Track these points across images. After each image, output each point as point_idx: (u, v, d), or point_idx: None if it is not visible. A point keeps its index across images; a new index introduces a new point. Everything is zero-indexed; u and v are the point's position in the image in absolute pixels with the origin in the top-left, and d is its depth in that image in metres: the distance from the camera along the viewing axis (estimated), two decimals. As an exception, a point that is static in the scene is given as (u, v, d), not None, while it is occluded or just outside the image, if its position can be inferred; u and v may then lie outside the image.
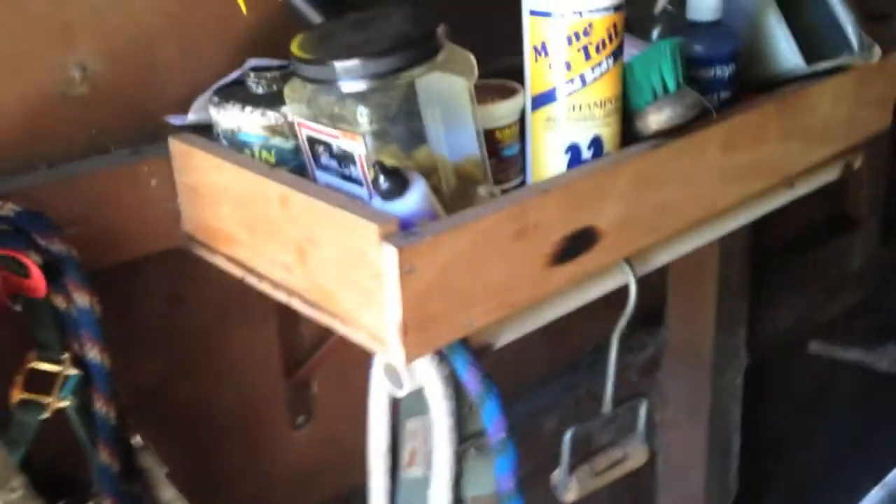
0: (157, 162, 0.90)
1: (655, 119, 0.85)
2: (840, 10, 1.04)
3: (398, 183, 0.72)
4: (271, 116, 0.85)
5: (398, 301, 0.71)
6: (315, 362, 1.16)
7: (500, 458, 0.84)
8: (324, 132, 0.79)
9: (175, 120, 0.91)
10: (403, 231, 0.71)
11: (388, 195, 0.73)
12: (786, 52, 1.03)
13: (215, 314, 1.06)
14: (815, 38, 1.05)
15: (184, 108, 0.92)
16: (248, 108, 0.85)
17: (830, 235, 1.99)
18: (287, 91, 0.82)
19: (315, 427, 1.23)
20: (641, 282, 0.95)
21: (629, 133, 0.88)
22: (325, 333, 1.12)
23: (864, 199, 1.98)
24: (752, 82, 1.02)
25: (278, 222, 0.81)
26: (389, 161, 0.73)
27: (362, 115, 0.75)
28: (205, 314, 1.05)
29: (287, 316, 1.09)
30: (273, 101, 0.86)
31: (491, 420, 0.82)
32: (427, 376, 0.81)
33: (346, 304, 0.77)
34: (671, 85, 0.85)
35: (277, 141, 0.86)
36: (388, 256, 0.70)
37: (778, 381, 1.95)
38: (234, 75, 0.91)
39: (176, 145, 0.90)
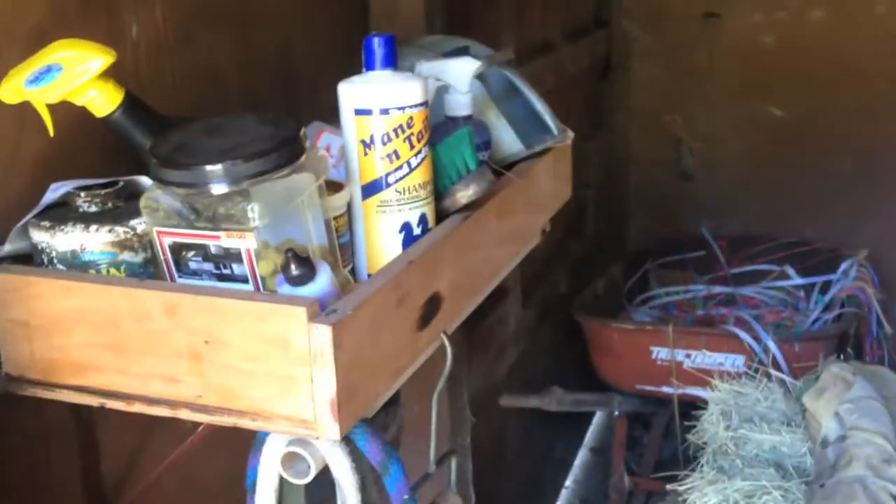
0: (-29, 303, 0.80)
1: (464, 194, 1.00)
2: (538, 104, 1.30)
3: (309, 268, 0.76)
4: (120, 231, 0.82)
5: (332, 378, 0.74)
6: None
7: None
8: (198, 235, 0.80)
9: (-20, 255, 0.83)
10: (323, 311, 0.75)
11: (300, 280, 0.76)
12: (508, 140, 1.26)
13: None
14: (525, 125, 1.29)
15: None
16: (94, 227, 0.82)
17: (492, 305, 2.30)
18: (145, 202, 0.81)
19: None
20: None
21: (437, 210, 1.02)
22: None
23: (515, 271, 2.33)
24: (495, 165, 1.23)
25: (162, 333, 0.78)
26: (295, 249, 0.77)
27: (254, 210, 0.78)
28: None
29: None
30: (116, 217, 0.83)
31: (395, 484, 0.87)
32: (333, 455, 0.83)
33: (257, 399, 0.77)
34: (472, 165, 1.01)
35: (127, 256, 0.83)
36: (321, 335, 0.73)
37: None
38: (48, 199, 0.86)
39: (-2, 279, 0.81)
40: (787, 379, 1.73)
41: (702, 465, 1.51)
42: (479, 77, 1.20)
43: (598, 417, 2.96)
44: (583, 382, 2.63)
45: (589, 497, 3.05)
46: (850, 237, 2.73)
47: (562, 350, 2.83)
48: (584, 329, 2.59)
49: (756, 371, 1.83)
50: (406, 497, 0.87)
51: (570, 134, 1.33)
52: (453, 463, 1.20)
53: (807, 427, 1.43)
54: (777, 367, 2.01)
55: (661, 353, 2.28)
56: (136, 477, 1.05)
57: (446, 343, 1.07)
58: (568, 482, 3.24)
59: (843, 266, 2.53)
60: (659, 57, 3.10)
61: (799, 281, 2.71)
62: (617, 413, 2.59)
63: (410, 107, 0.93)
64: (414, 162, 0.94)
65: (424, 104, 0.95)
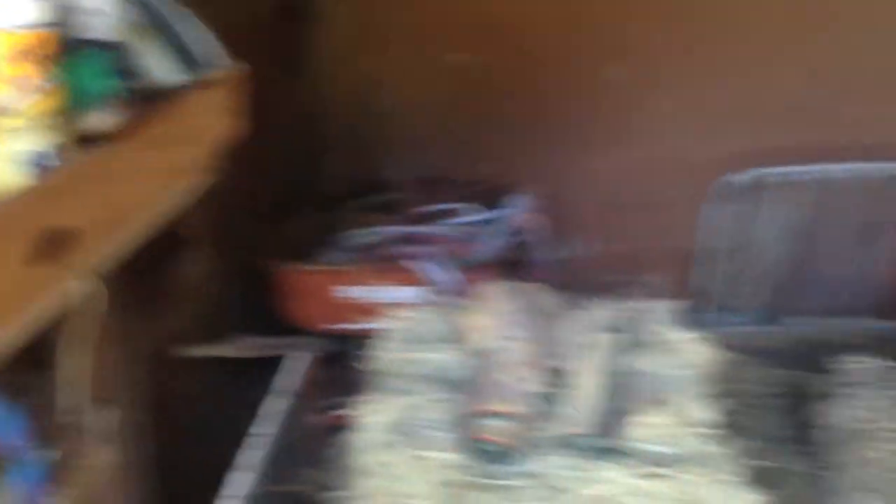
0: None
1: (98, 122, 0.93)
2: (198, 35, 1.24)
3: None
4: None
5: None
6: None
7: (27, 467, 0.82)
8: None
9: None
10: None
11: None
12: (164, 68, 1.19)
13: None
14: (186, 56, 1.23)
15: None
16: None
17: (174, 252, 2.19)
18: None
19: None
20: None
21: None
22: None
23: (199, 218, 2.22)
24: (142, 94, 1.16)
25: None
26: None
27: None
28: None
29: None
30: None
31: (8, 434, 0.80)
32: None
33: None
34: (110, 92, 0.94)
35: None
36: None
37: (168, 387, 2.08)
38: None
39: None
40: (456, 302, 1.86)
41: (377, 389, 1.58)
42: (135, 3, 1.12)
43: (291, 361, 2.97)
44: (277, 328, 2.62)
45: (289, 440, 3.07)
46: (531, 175, 2.96)
47: (254, 297, 2.79)
48: (273, 274, 2.57)
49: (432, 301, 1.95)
50: (21, 445, 0.81)
51: (236, 66, 1.29)
52: (107, 414, 1.14)
53: (468, 343, 1.54)
54: (454, 295, 2.14)
55: (347, 292, 2.34)
56: None
57: (84, 284, 1.01)
58: (265, 429, 3.23)
59: (517, 201, 2.75)
60: (351, -1, 3.11)
61: (479, 217, 2.90)
62: (309, 354, 2.62)
63: (32, 26, 0.84)
64: (39, 86, 0.86)
65: (52, 24, 0.86)
